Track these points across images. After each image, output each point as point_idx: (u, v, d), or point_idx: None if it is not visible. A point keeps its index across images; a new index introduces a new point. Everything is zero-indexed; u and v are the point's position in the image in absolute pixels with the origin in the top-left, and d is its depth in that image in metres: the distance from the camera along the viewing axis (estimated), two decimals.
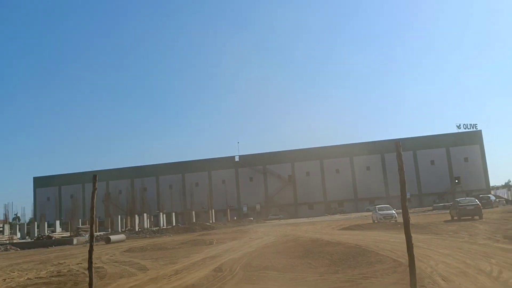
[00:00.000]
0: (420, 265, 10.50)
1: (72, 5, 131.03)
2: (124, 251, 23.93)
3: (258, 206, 77.15)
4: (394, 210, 33.29)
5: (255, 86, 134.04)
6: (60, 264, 19.28)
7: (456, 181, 73.14)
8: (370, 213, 55.09)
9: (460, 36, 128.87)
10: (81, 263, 18.78)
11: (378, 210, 32.71)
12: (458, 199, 29.69)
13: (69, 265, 18.33)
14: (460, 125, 72.95)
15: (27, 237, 43.51)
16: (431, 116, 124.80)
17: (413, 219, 31.93)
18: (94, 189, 7.02)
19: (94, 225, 6.51)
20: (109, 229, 49.50)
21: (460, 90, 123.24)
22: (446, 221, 27.49)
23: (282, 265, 12.54)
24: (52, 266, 18.51)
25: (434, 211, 46.93)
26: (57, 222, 48.27)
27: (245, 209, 76.82)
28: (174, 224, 52.93)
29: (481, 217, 26.26)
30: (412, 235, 16.99)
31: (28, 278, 14.44)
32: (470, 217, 27.02)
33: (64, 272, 15.86)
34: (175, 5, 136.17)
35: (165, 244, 25.83)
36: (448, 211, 40.68)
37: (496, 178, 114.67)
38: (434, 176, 73.56)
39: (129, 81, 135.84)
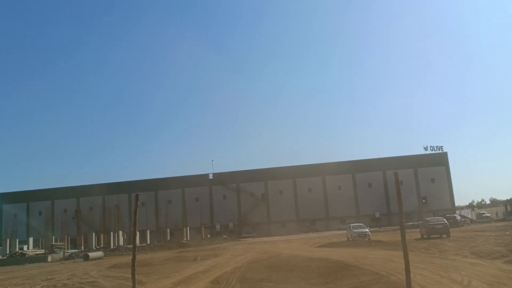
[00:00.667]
0: (400, 277, 11.93)
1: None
2: (109, 267, 24.54)
3: (231, 224, 77.87)
4: (368, 229, 34.91)
5: (230, 104, 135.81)
6: (49, 279, 19.80)
7: (423, 201, 75.99)
8: (342, 231, 57.30)
9: (424, 60, 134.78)
10: (71, 278, 19.41)
11: (353, 229, 34.23)
12: (427, 219, 31.60)
13: (60, 280, 18.92)
14: (427, 147, 76.22)
15: None
16: (400, 138, 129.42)
17: (385, 237, 33.94)
18: (136, 206, 8.05)
19: (134, 240, 7.52)
20: (82, 247, 49.29)
21: (428, 113, 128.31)
22: (416, 239, 29.24)
23: (275, 277, 13.74)
24: (43, 281, 19.03)
25: (397, 231, 48.87)
26: (30, 239, 47.70)
27: (218, 227, 77.36)
28: (148, 242, 53.13)
29: (448, 235, 28.15)
30: (388, 251, 18.80)
31: None
32: (438, 236, 28.87)
33: (60, 287, 16.53)
34: (148, 17, 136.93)
35: (148, 261, 26.48)
36: (417, 230, 42.98)
37: (460, 198, 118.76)
38: (402, 196, 75.68)
39: (102, 96, 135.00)
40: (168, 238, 54.32)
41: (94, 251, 41.79)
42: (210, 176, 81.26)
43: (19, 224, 71.19)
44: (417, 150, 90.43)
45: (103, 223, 56.66)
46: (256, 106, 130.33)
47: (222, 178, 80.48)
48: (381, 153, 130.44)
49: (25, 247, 44.98)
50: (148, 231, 56.41)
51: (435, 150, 76.38)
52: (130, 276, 18.29)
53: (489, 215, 62.11)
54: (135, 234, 7.49)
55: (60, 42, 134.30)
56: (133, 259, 7.17)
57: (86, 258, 34.11)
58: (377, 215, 74.77)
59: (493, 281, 10.80)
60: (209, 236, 66.22)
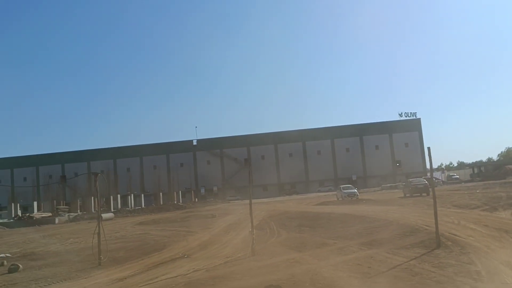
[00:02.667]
0: (405, 221, 16.25)
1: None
2: (137, 224, 28.17)
3: (215, 188, 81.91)
4: (356, 189, 39.57)
5: (212, 69, 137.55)
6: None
7: (397, 164, 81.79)
8: (322, 193, 62.48)
9: (398, 29, 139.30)
10: (118, 232, 22.97)
11: (343, 189, 38.67)
12: (410, 180, 36.50)
13: (111, 234, 22.46)
14: (402, 113, 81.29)
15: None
16: (377, 104, 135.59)
17: (371, 196, 38.71)
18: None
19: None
20: (78, 210, 52.35)
21: (402, 80, 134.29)
22: (400, 197, 34.05)
23: (308, 224, 17.84)
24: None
25: (383, 190, 54.23)
26: (35, 203, 50.52)
27: (202, 191, 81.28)
28: (143, 205, 56.68)
29: (428, 194, 32.85)
30: (382, 207, 23.53)
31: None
32: (419, 194, 33.68)
33: (127, 237, 20.15)
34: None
35: (170, 218, 30.30)
36: (396, 190, 48.30)
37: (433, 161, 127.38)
38: (378, 159, 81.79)
39: (76, 61, 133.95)
40: (161, 202, 57.89)
41: (91, 214, 45.24)
42: (194, 143, 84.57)
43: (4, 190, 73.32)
44: (393, 116, 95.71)
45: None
46: (237, 73, 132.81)
47: (206, 144, 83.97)
48: (358, 119, 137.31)
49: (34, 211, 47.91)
50: (142, 195, 59.90)
51: (409, 117, 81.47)
52: (170, 228, 22.04)
53: (458, 176, 68.37)
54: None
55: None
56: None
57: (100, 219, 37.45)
58: (354, 178, 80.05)
59: (475, 221, 15.20)
60: (196, 199, 70.12)
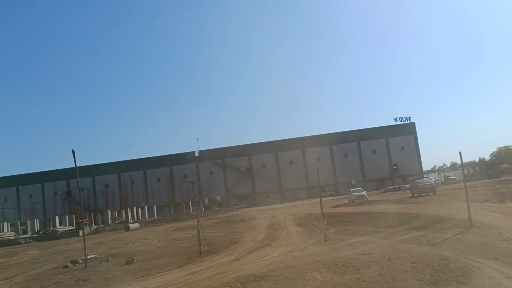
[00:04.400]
0: (431, 213, 19.54)
1: None
2: (174, 231, 31.06)
3: (219, 198, 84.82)
4: (365, 192, 42.87)
5: (212, 85, 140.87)
6: (145, 240, 26.20)
7: (395, 167, 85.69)
8: (324, 198, 65.79)
9: (390, 36, 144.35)
10: (161, 239, 25.89)
11: (353, 192, 41.95)
12: (417, 181, 40.00)
13: (155, 240, 25.42)
14: (396, 118, 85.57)
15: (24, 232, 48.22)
16: (372, 110, 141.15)
17: (379, 198, 41.97)
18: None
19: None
20: (93, 223, 54.95)
21: (396, 86, 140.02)
22: (409, 197, 37.44)
23: (346, 219, 21.02)
24: (137, 241, 25.47)
25: (386, 193, 57.67)
26: (56, 218, 52.99)
27: (206, 201, 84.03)
28: (155, 216, 59.40)
29: (434, 193, 36.39)
30: (398, 205, 27.10)
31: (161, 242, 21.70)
32: (425, 194, 37.08)
33: (173, 240, 23.15)
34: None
35: (202, 225, 33.19)
36: (399, 192, 51.75)
37: (425, 164, 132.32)
38: (375, 163, 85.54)
39: (75, 77, 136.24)
40: (172, 212, 60.67)
41: (110, 226, 47.97)
42: (196, 154, 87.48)
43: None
44: (388, 121, 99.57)
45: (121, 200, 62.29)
46: (228, 85, 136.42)
47: (208, 155, 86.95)
48: (355, 125, 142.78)
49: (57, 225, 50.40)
50: (154, 206, 62.64)
51: (404, 121, 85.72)
52: (218, 231, 24.98)
53: (455, 177, 72.16)
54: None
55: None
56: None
57: (127, 229, 40.30)
58: (353, 182, 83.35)
59: (490, 210, 18.59)
60: (203, 209, 72.90)
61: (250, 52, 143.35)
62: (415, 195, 38.08)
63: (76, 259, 17.22)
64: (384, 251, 10.71)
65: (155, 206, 62.56)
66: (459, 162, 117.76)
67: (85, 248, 15.72)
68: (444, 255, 9.21)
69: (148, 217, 59.39)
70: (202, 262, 13.32)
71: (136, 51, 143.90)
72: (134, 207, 57.39)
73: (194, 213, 55.55)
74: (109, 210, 55.37)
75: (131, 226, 41.20)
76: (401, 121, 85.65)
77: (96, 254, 19.11)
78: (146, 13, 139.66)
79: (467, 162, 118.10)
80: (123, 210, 60.17)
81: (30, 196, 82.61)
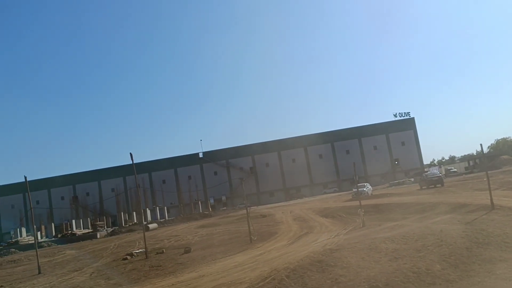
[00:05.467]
0: (450, 201, 21.43)
1: None
2: (199, 228, 32.81)
3: (223, 198, 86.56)
4: (366, 188, 44.51)
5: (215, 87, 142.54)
6: (177, 236, 27.92)
7: (396, 162, 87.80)
8: (328, 195, 67.95)
9: (390, 33, 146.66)
10: (188, 236, 27.65)
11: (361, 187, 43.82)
12: (425, 173, 41.96)
13: (188, 236, 27.16)
14: (396, 113, 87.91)
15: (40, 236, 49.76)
16: (372, 107, 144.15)
17: (391, 191, 43.91)
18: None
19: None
20: (104, 226, 56.58)
21: (395, 82, 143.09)
22: (418, 190, 39.37)
23: (370, 210, 22.87)
24: (174, 237, 27.19)
25: (392, 187, 59.61)
26: (73, 221, 54.54)
27: (212, 201, 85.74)
28: (166, 217, 61.08)
29: (442, 185, 38.22)
30: (412, 196, 29.04)
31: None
32: (433, 186, 38.97)
33: (213, 234, 24.92)
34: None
35: (224, 221, 35.10)
36: (404, 186, 53.71)
37: (425, 158, 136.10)
38: (377, 159, 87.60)
39: (74, 82, 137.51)
40: (181, 213, 62.40)
41: (122, 228, 49.67)
42: (200, 155, 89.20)
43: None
44: (388, 117, 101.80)
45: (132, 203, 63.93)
46: (226, 86, 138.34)
47: (212, 156, 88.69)
48: (356, 122, 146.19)
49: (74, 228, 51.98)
50: (165, 208, 64.30)
51: (403, 116, 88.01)
52: (245, 226, 26.68)
53: (456, 170, 74.32)
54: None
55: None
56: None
57: (147, 229, 41.90)
58: (356, 178, 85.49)
59: (504, 196, 20.51)
60: (210, 209, 74.65)
61: (250, 52, 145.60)
62: (423, 187, 39.91)
63: (132, 252, 18.94)
64: (427, 229, 12.54)
65: (165, 208, 64.18)
66: (457, 155, 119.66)
67: (145, 241, 17.47)
68: (482, 227, 11.08)
69: (155, 219, 61.04)
70: (258, 247, 15.10)
71: (137, 54, 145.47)
72: (143, 210, 58.90)
73: (206, 212, 57.39)
74: (122, 213, 56.92)
75: (150, 226, 42.84)
76: (400, 116, 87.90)
77: (142, 249, 20.79)
78: (147, 17, 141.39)
79: (465, 155, 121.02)
80: (134, 212, 61.96)
81: (37, 202, 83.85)
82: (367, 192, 42.66)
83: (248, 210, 18.70)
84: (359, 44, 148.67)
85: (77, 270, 16.57)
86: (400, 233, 12.41)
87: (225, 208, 74.78)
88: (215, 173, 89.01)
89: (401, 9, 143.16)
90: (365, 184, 47.93)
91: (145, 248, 17.48)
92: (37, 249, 20.93)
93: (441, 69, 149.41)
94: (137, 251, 19.89)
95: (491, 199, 16.23)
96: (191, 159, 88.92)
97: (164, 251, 18.35)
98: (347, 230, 16.25)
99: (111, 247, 26.55)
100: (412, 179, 63.36)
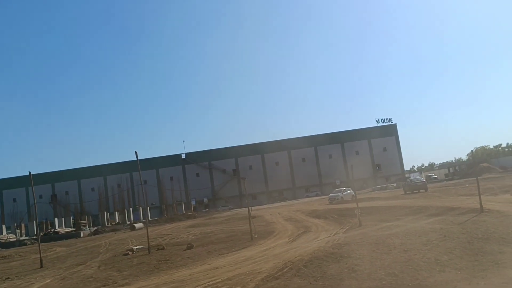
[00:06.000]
0: (438, 204, 22.58)
1: None
2: (189, 227, 33.39)
3: (205, 200, 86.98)
4: (340, 193, 45.60)
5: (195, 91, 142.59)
6: (170, 234, 28.48)
7: (377, 168, 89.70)
8: (310, 198, 69.22)
9: (371, 40, 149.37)
10: (189, 232, 28.26)
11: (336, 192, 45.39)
12: (410, 178, 43.47)
13: (182, 234, 27.77)
14: (378, 120, 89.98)
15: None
16: (356, 113, 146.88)
17: (376, 195, 45.18)
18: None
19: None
20: (86, 225, 56.50)
21: (378, 88, 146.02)
22: (402, 194, 40.72)
23: (365, 213, 23.87)
24: (165, 236, 27.77)
25: (375, 191, 61.13)
26: (56, 220, 54.33)
27: (193, 202, 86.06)
28: (149, 218, 61.23)
29: (426, 190, 39.77)
30: (399, 200, 30.42)
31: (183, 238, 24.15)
32: (417, 191, 40.43)
33: (207, 233, 25.60)
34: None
35: (213, 222, 35.74)
36: (387, 191, 55.19)
37: (406, 164, 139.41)
38: (359, 164, 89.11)
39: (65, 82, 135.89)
40: (165, 214, 62.70)
41: (107, 227, 49.88)
42: (183, 156, 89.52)
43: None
44: (371, 123, 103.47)
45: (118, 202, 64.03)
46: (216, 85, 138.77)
47: (194, 157, 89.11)
48: (339, 127, 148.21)
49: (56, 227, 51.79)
50: (148, 208, 64.36)
51: (385, 123, 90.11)
52: (240, 225, 27.53)
53: (436, 176, 76.51)
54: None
55: None
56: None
57: (133, 228, 42.30)
58: (338, 182, 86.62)
59: (489, 201, 21.74)
60: (192, 211, 75.00)
61: (235, 54, 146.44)
62: (407, 192, 41.38)
63: (132, 248, 19.52)
64: (425, 228, 13.55)
65: (148, 208, 64.34)
66: (437, 162, 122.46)
67: (148, 236, 18.09)
68: (477, 226, 12.12)
69: (137, 219, 61.16)
70: (261, 244, 15.88)
71: (118, 52, 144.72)
72: (127, 209, 59.11)
73: (189, 213, 57.82)
74: (104, 212, 56.98)
75: (137, 225, 43.16)
76: (383, 122, 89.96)
77: (141, 245, 21.36)
78: (129, 16, 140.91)
79: (444, 162, 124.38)
80: (117, 212, 62.01)
81: (14, 200, 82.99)
82: (342, 197, 43.67)
83: (250, 209, 19.40)
84: (343, 49, 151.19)
85: (81, 264, 17.06)
86: (401, 231, 13.35)
87: (207, 210, 75.25)
88: (198, 174, 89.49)
89: (384, 15, 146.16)
90: (342, 189, 48.38)
91: (148, 243, 18.09)
92: (22, 247, 21.29)
93: (422, 78, 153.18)
94: (136, 247, 20.46)
95: (480, 202, 17.32)
96: (174, 160, 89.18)
97: (165, 247, 18.96)
98: (344, 229, 17.14)
99: (103, 245, 26.96)
100: (395, 184, 65.01)
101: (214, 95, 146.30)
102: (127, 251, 19.06)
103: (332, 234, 15.79)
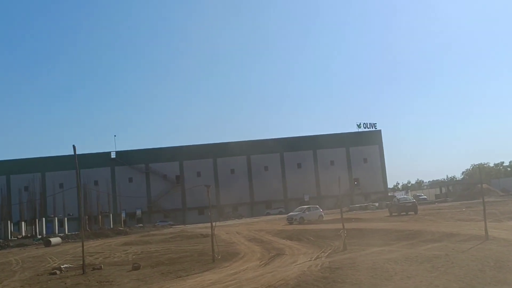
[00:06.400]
0: (435, 230, 23.96)
1: None
2: (122, 245, 33.60)
3: (139, 212, 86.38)
4: (299, 213, 47.18)
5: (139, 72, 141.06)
6: (106, 253, 28.65)
7: (356, 183, 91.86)
8: (272, 216, 70.47)
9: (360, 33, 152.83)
10: (124, 253, 28.55)
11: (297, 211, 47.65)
12: (398, 197, 45.34)
13: (117, 254, 28.02)
14: (360, 124, 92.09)
15: None
16: (332, 113, 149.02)
17: (355, 216, 46.69)
18: None
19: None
20: None
21: (361, 89, 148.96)
22: (387, 216, 42.41)
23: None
24: (93, 255, 27.95)
25: (353, 211, 62.97)
26: None
27: (123, 215, 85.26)
28: (66, 231, 60.64)
29: (416, 213, 41.50)
30: (385, 223, 32.03)
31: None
32: (405, 213, 42.13)
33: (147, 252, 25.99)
34: None
35: (154, 240, 36.04)
36: (368, 211, 57.14)
37: (389, 180, 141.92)
38: (333, 177, 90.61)
39: None
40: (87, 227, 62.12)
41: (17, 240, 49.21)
42: (113, 155, 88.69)
43: None
44: (350, 127, 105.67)
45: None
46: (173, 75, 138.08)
47: (128, 158, 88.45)
48: (312, 130, 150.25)
49: None
50: (65, 219, 63.61)
51: (368, 128, 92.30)
52: (190, 246, 28.07)
53: (426, 197, 79.52)
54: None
55: None
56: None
57: (48, 243, 41.87)
58: (306, 198, 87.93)
59: (493, 227, 23.29)
60: (123, 225, 74.52)
61: (193, 36, 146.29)
62: (394, 214, 43.08)
63: (60, 267, 19.72)
64: (424, 255, 14.58)
65: (66, 219, 63.63)
66: (425, 179, 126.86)
67: (83, 253, 18.36)
68: (485, 254, 13.24)
69: (50, 232, 60.36)
70: (227, 266, 16.53)
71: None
72: (38, 220, 58.29)
73: (120, 228, 57.69)
74: (8, 222, 55.95)
75: (53, 240, 42.76)
76: (365, 127, 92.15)
77: (69, 264, 21.54)
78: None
79: (434, 180, 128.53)
80: (23, 223, 60.96)
81: None
82: (303, 218, 45.03)
83: (213, 224, 20.01)
84: (319, 43, 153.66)
85: None
86: (398, 256, 14.33)
87: (141, 225, 74.85)
88: (130, 179, 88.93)
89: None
90: (304, 208, 49.41)
91: (83, 262, 18.34)
92: None
93: (414, 76, 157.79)
94: (64, 265, 20.63)
95: (486, 229, 18.61)
96: (100, 159, 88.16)
97: (102, 267, 19.25)
98: (326, 253, 18.03)
99: (15, 262, 26.78)
100: (377, 204, 67.06)
101: (158, 79, 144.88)
102: (53, 270, 19.22)
103: (313, 258, 16.61)
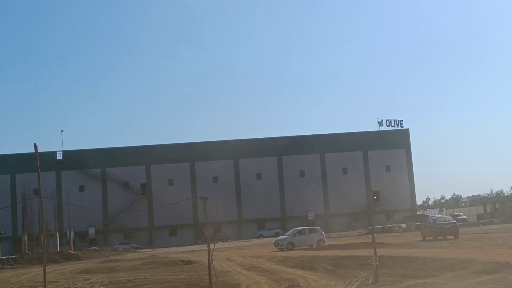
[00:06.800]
0: (482, 259, 24.84)
1: None
2: (79, 273, 34.20)
3: (91, 231, 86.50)
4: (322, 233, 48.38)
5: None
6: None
7: (375, 197, 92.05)
8: (265, 239, 71.05)
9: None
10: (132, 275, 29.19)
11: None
12: (433, 217, 46.13)
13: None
14: (382, 121, 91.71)
15: None
16: (346, 108, 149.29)
17: (380, 240, 47.58)
18: None
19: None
20: None
21: (383, 75, 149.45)
22: (421, 241, 43.30)
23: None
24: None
25: (368, 235, 63.60)
26: None
27: (72, 234, 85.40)
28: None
29: (456, 237, 42.40)
30: (424, 249, 33.38)
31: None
32: (443, 237, 43.04)
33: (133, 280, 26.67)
34: None
35: (119, 266, 36.66)
36: (392, 234, 58.15)
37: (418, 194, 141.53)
38: (346, 189, 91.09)
39: None
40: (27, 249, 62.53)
41: None
42: (59, 156, 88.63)
43: None
44: (370, 125, 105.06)
45: None
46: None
47: (78, 159, 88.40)
48: (320, 128, 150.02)
49: None
50: None
51: (392, 126, 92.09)
52: (176, 275, 28.85)
53: (465, 217, 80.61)
54: None
55: None
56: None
57: None
58: (311, 216, 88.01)
59: None
60: (72, 247, 74.79)
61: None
62: (428, 238, 43.95)
63: None
64: None
65: None
66: (464, 195, 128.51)
67: (45, 278, 19.00)
68: None
69: None
70: None
71: None
72: None
73: (70, 251, 58.15)
74: None
75: None
76: (388, 126, 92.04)
77: None
78: None
79: (476, 195, 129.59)
80: None
81: None
82: (292, 243, 46.38)
83: (212, 247, 20.64)
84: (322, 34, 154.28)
85: None
86: None
87: (95, 247, 75.10)
88: (81, 188, 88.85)
89: None
90: (297, 230, 49.75)
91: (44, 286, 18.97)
92: None
93: (451, 67, 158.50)
94: None
95: None
96: (43, 161, 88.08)
97: None
98: (353, 285, 18.80)
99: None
100: (404, 225, 67.94)
101: (120, 56, 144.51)
102: None
103: None
